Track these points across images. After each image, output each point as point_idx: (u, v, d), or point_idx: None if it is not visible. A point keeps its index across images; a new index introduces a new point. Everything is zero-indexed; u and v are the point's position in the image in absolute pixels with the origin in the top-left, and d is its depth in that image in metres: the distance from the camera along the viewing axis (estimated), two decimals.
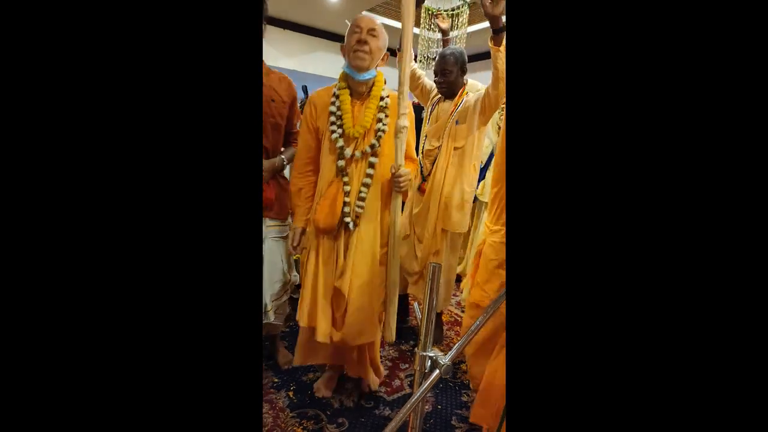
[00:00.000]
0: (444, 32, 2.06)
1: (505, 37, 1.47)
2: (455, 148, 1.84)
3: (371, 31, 1.27)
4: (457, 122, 1.83)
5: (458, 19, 3.32)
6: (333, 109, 1.32)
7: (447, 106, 1.87)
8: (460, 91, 1.86)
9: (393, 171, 1.25)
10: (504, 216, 1.32)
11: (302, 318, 1.41)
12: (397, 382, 1.75)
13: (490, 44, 1.49)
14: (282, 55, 5.22)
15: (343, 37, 1.36)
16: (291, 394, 1.62)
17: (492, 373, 1.28)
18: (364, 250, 1.37)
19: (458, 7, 3.31)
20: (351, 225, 1.33)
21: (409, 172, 1.27)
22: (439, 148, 1.87)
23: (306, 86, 1.95)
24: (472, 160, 1.87)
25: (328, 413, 1.52)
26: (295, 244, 1.46)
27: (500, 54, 1.49)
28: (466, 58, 1.87)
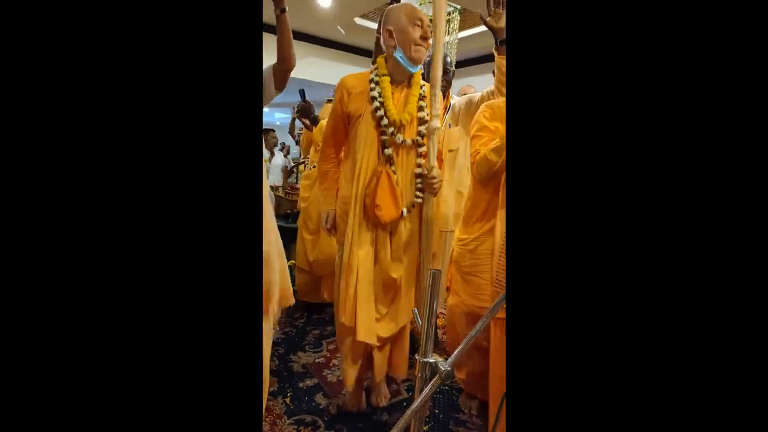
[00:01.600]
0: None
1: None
2: (449, 151, 1.86)
3: (428, 26, 1.30)
4: (449, 125, 1.84)
5: (449, 25, 3.36)
6: (374, 95, 1.31)
7: None
8: (446, 94, 1.88)
9: (425, 172, 1.29)
10: (473, 225, 1.40)
11: (346, 316, 1.35)
12: (394, 387, 1.75)
13: (494, 53, 1.52)
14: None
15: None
16: (288, 400, 1.62)
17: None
18: (411, 239, 1.40)
19: (449, 14, 3.35)
20: (405, 212, 1.35)
21: (440, 173, 1.32)
22: None
23: (303, 90, 1.97)
24: (466, 163, 1.89)
25: (326, 419, 1.51)
26: (329, 227, 1.46)
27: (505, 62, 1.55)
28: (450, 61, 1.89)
